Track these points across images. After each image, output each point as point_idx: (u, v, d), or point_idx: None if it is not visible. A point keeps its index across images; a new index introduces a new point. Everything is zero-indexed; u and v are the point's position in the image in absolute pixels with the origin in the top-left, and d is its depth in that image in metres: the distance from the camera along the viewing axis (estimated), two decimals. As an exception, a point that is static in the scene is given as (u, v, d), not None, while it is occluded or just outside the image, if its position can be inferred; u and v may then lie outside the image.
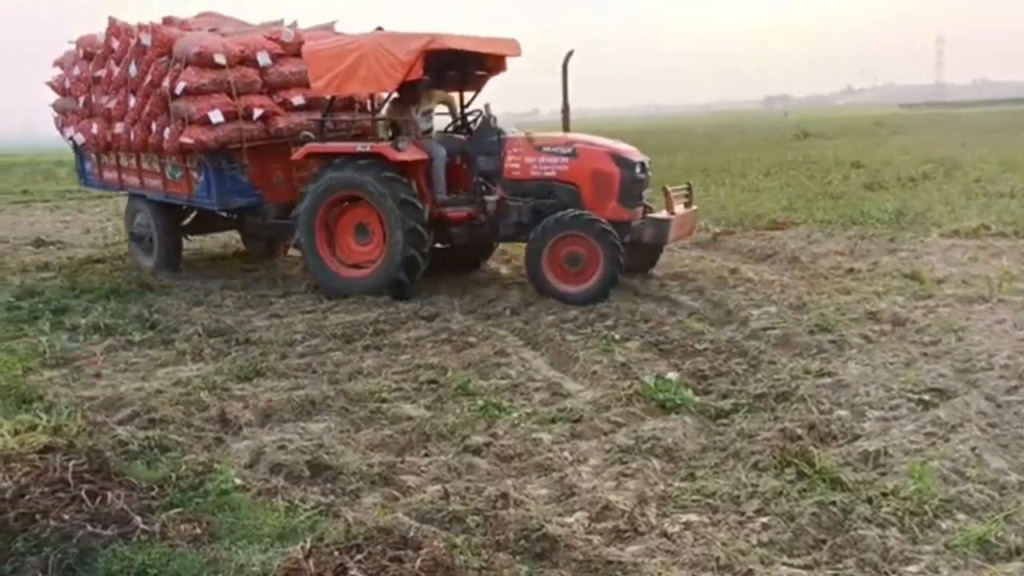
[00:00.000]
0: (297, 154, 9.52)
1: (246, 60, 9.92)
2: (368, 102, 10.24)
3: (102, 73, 10.82)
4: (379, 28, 9.49)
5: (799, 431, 4.84)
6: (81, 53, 11.36)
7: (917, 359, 6.15)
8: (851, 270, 9.26)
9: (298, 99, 10.14)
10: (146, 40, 10.03)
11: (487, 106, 9.41)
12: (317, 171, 9.26)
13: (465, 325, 7.67)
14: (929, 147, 25.82)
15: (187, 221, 11.40)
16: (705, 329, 7.18)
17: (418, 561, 3.25)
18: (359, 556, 3.32)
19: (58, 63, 11.84)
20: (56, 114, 12.09)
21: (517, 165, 8.97)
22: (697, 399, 5.55)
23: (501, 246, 10.58)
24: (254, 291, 9.68)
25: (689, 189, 9.43)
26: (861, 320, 7.22)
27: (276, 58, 9.89)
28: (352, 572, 3.19)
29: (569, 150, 8.85)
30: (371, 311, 8.42)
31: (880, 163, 20.70)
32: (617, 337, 7.04)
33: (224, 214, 10.80)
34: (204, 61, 9.57)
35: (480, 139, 9.27)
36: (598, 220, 8.39)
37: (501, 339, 7.30)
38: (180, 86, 9.53)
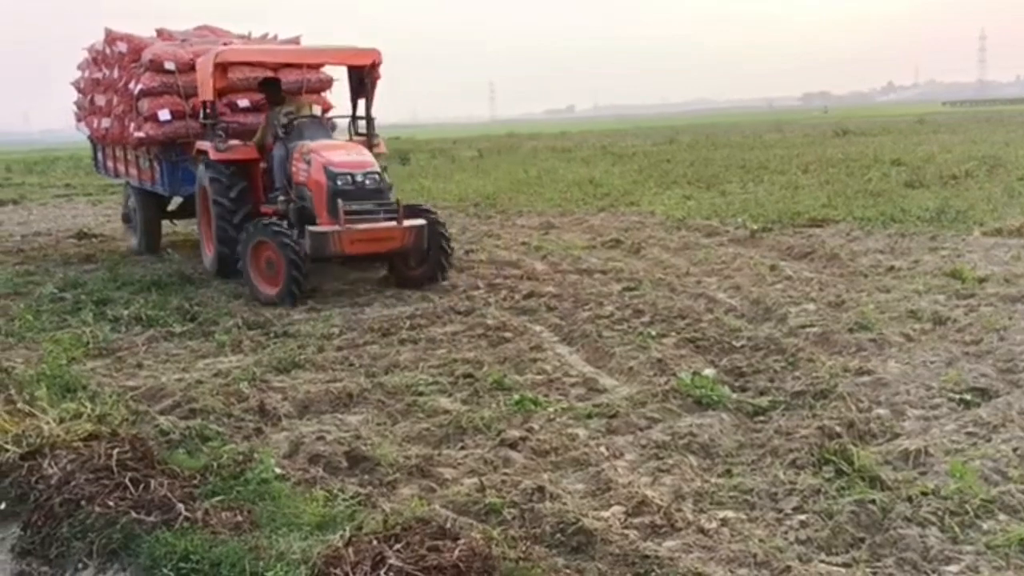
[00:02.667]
0: (195, 149, 10.52)
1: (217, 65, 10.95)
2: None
3: (99, 75, 12.46)
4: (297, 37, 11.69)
5: (838, 429, 4.80)
6: (90, 58, 12.97)
7: (958, 358, 6.07)
8: (891, 268, 9.15)
9: (243, 102, 11.30)
10: (123, 48, 11.51)
11: (316, 109, 10.57)
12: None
13: (501, 320, 7.69)
14: (971, 145, 25.40)
15: (171, 207, 12.69)
16: (743, 326, 7.15)
17: (456, 551, 3.27)
18: (397, 546, 3.35)
19: (79, 66, 13.61)
20: (76, 110, 14.06)
21: (295, 169, 9.30)
22: (734, 396, 5.52)
23: (534, 243, 10.56)
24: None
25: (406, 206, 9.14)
26: (901, 318, 7.13)
27: (232, 65, 10.81)
28: (391, 561, 3.22)
29: (309, 159, 9.08)
30: (407, 306, 8.49)
31: (921, 160, 20.39)
32: (653, 333, 7.02)
33: None
34: (156, 67, 10.89)
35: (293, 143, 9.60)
36: (282, 231, 8.72)
37: (536, 334, 7.31)
38: (138, 88, 10.93)
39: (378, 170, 9.08)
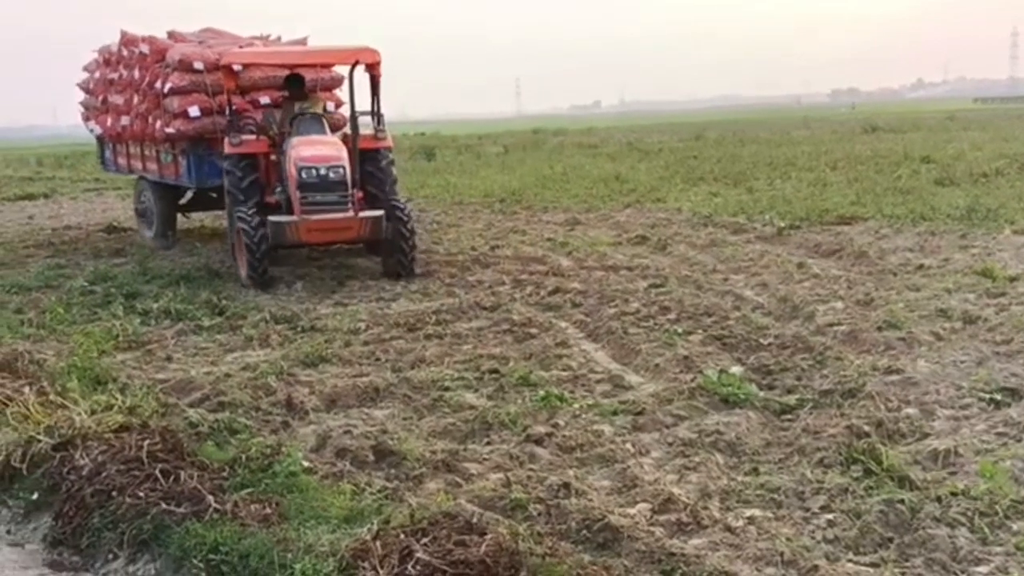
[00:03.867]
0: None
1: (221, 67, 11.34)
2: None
3: (115, 76, 12.96)
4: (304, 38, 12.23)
5: (866, 428, 4.76)
6: (101, 59, 13.50)
7: (989, 358, 6.00)
8: (921, 266, 9.06)
9: (265, 99, 11.71)
10: (145, 49, 12.02)
11: (330, 106, 11.17)
12: None
13: (526, 316, 7.69)
14: (1002, 142, 25.08)
15: (184, 200, 13.22)
16: (770, 324, 7.11)
17: (483, 546, 3.29)
18: (425, 540, 3.37)
19: (86, 68, 14.20)
20: (83, 109, 14.58)
21: (286, 160, 9.76)
22: (761, 394, 5.50)
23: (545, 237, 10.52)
24: (317, 279, 9.85)
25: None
26: (931, 317, 7.06)
27: (246, 65, 11.37)
28: (419, 555, 3.24)
29: (289, 153, 9.64)
30: (433, 301, 8.52)
31: (951, 158, 20.15)
32: (680, 330, 6.99)
33: (213, 195, 12.28)
34: (185, 67, 11.29)
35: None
36: (244, 219, 9.38)
37: (562, 331, 7.31)
38: (167, 86, 11.34)
39: (343, 163, 9.51)
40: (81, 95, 14.52)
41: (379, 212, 9.59)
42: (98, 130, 13.99)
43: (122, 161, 13.96)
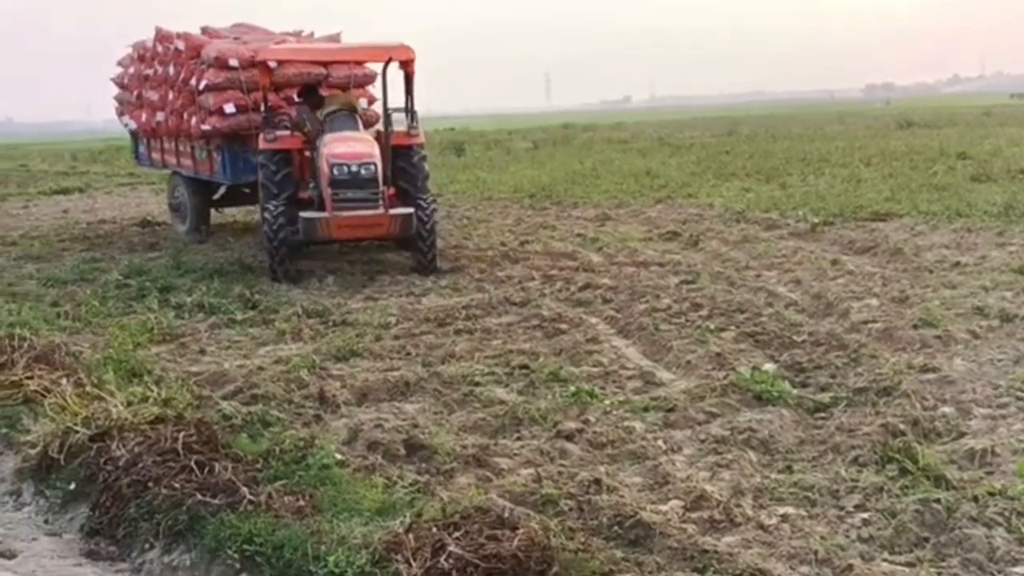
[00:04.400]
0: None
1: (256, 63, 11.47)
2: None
3: (150, 72, 13.15)
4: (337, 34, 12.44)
5: (902, 427, 4.71)
6: (136, 55, 13.68)
7: (1027, 356, 5.91)
8: (957, 264, 8.94)
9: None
10: (180, 46, 12.13)
11: (363, 103, 11.35)
12: None
13: (556, 312, 7.69)
14: (1041, 138, 24.66)
15: (217, 196, 13.37)
16: (803, 321, 7.05)
17: (515, 541, 3.29)
18: (457, 534, 3.37)
19: (119, 62, 14.36)
20: (116, 104, 14.67)
21: (319, 156, 9.85)
22: (795, 392, 5.45)
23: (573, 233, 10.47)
24: (348, 274, 9.91)
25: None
26: (968, 315, 6.96)
27: (280, 62, 11.25)
28: (451, 548, 3.24)
29: (322, 150, 9.73)
30: (463, 296, 8.54)
31: (988, 154, 19.86)
32: (712, 327, 6.95)
33: (246, 191, 12.43)
34: (221, 64, 11.41)
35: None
36: (270, 216, 9.56)
37: (592, 326, 7.30)
38: (203, 83, 11.46)
39: (375, 161, 9.61)
40: (115, 90, 14.67)
41: (409, 209, 9.68)
42: (133, 125, 14.14)
43: (156, 156, 14.10)
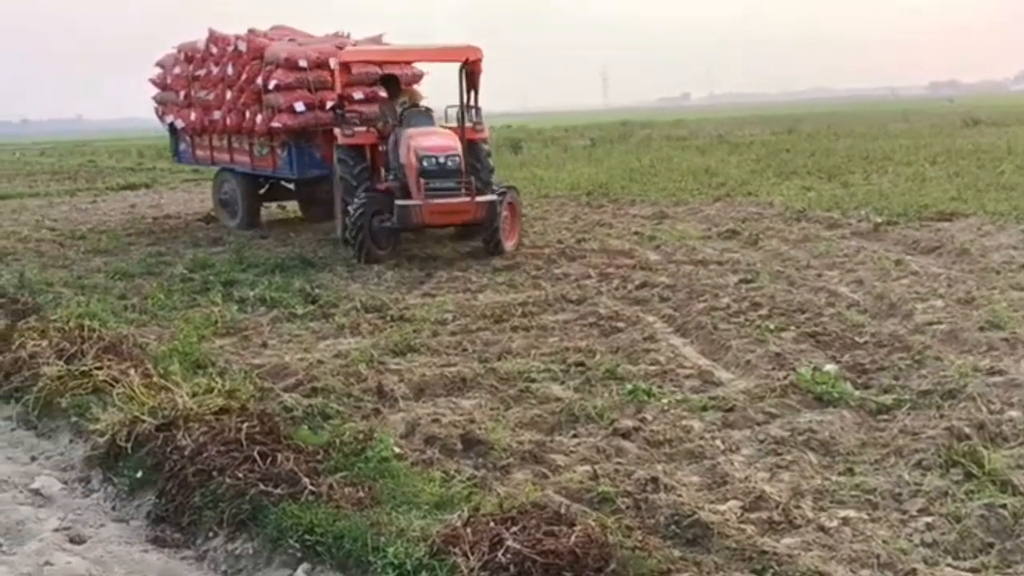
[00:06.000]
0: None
1: (322, 64, 12.28)
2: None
3: (201, 72, 13.56)
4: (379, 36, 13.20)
5: (967, 430, 4.60)
6: (182, 56, 14.08)
7: (1099, 361, 5.74)
8: (1025, 265, 8.71)
9: (358, 95, 12.30)
10: (242, 47, 12.67)
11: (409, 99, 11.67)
12: None
13: (613, 310, 7.66)
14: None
15: (262, 191, 14.13)
16: (866, 321, 6.92)
17: (572, 537, 3.30)
18: (514, 528, 3.39)
19: (159, 63, 14.82)
20: (156, 104, 15.13)
21: (399, 152, 10.60)
22: (856, 393, 5.36)
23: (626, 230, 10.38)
24: (406, 269, 10.00)
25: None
26: (1037, 318, 6.78)
27: (359, 63, 12.02)
28: (509, 543, 3.26)
29: (407, 143, 10.39)
30: (519, 293, 8.56)
31: (1059, 152, 19.31)
32: (772, 327, 6.87)
33: (290, 186, 13.52)
34: (291, 64, 12.07)
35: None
36: (359, 204, 10.21)
37: (649, 325, 7.25)
38: (272, 83, 12.02)
39: (459, 153, 10.38)
40: (154, 90, 15.08)
41: (492, 197, 10.51)
42: (180, 123, 14.52)
43: (202, 153, 14.53)
